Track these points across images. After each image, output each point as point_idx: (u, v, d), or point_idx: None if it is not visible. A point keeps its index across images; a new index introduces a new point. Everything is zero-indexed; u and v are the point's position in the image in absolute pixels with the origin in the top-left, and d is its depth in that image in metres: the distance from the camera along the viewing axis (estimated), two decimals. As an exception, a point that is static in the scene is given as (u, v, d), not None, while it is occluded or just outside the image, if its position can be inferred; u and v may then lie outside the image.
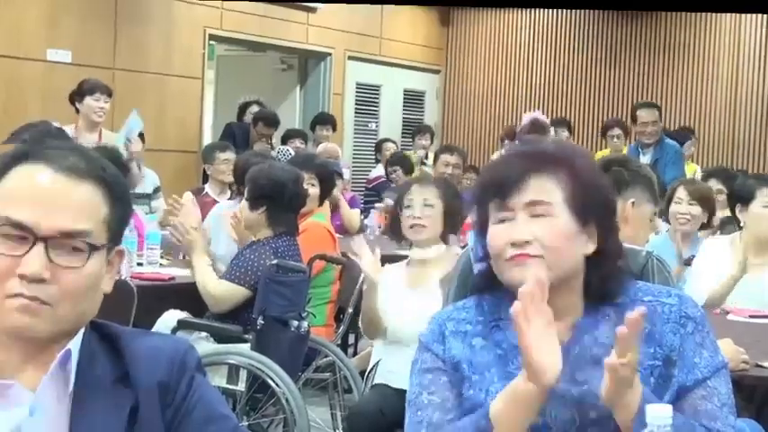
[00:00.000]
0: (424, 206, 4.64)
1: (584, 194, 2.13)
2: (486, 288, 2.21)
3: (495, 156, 8.78)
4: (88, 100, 7.52)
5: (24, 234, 1.67)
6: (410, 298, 4.58)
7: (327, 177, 6.46)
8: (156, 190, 8.50)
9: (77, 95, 7.57)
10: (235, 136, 10.14)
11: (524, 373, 1.97)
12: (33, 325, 1.68)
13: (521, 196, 2.11)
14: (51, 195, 1.70)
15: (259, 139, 10.27)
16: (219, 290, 4.95)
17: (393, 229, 4.83)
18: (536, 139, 6.06)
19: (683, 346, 2.10)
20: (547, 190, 2.12)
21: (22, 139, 5.53)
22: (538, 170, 2.13)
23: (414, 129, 12.38)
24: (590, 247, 2.13)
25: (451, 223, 4.72)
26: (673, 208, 5.75)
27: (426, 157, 10.99)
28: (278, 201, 5.06)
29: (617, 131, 10.24)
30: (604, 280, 2.15)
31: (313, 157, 7.11)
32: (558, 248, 2.09)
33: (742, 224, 5.08)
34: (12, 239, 1.67)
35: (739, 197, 5.14)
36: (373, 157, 11.55)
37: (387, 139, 11.81)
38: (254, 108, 10.74)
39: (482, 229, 2.18)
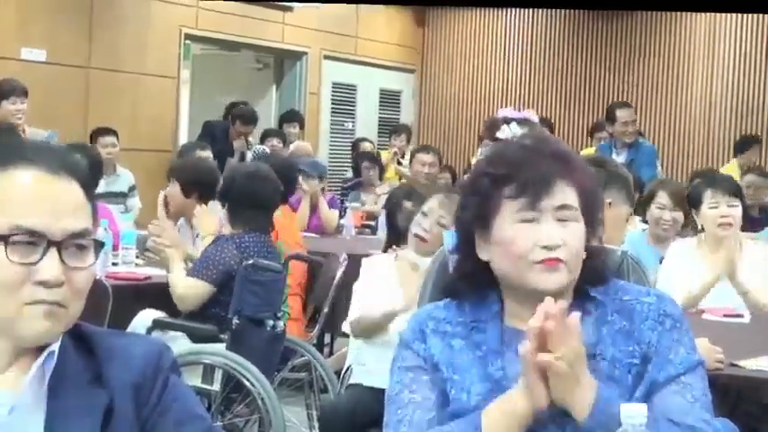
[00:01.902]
0: (436, 223, 4.45)
1: (590, 198, 2.15)
2: (469, 291, 2.18)
3: (484, 150, 8.63)
4: (5, 104, 7.38)
5: (34, 240, 1.67)
6: (398, 297, 4.52)
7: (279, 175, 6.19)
8: (132, 189, 8.49)
9: None
10: (214, 134, 10.13)
11: (525, 392, 1.97)
12: (55, 329, 1.69)
13: (550, 199, 2.09)
14: (54, 198, 1.70)
15: (237, 137, 10.26)
16: (182, 285, 4.96)
17: (392, 221, 4.79)
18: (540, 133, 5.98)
19: (659, 342, 2.10)
20: (571, 194, 2.12)
21: None
22: (562, 172, 2.12)
23: (390, 128, 12.39)
24: (583, 252, 2.14)
25: None
26: (656, 213, 5.72)
27: (403, 156, 10.99)
28: (230, 197, 5.12)
29: (605, 134, 10.14)
30: (592, 279, 2.16)
31: (261, 156, 6.99)
32: (578, 253, 2.10)
33: (699, 226, 5.12)
34: (21, 246, 1.66)
35: (691, 200, 5.19)
36: (350, 156, 11.54)
37: (363, 139, 11.81)
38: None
39: (478, 221, 2.14)
